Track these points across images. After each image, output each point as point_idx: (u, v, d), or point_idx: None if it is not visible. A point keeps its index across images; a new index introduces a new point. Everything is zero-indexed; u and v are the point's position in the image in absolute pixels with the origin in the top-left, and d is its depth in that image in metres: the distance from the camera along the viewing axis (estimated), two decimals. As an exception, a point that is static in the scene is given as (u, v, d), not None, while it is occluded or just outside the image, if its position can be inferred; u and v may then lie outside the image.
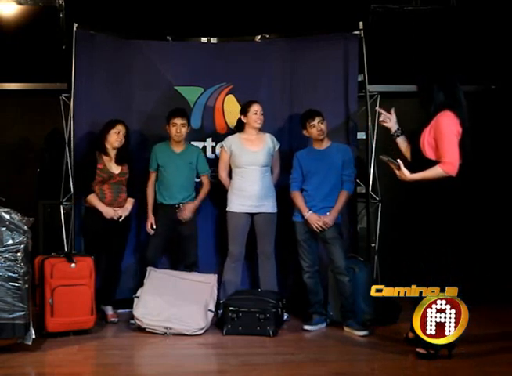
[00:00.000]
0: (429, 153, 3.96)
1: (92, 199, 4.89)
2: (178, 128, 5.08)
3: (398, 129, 4.30)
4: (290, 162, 4.97)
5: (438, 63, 5.63)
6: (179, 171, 5.14)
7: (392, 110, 4.32)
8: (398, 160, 4.00)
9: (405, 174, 3.96)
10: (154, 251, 5.15)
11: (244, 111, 5.07)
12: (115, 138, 4.95)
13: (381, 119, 4.35)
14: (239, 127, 5.17)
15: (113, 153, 4.99)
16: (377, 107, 4.56)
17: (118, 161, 5.00)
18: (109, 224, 4.89)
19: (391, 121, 4.30)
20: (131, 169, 5.08)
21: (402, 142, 4.28)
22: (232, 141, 5.10)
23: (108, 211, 4.88)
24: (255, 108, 5.02)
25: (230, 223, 5.04)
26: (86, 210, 5.03)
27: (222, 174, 5.16)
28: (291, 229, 4.89)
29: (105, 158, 4.96)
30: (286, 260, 5.32)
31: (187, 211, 5.11)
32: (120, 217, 4.94)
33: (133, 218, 5.37)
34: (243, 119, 5.08)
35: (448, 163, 3.86)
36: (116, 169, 4.98)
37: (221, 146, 5.18)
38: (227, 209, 5.06)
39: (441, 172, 3.87)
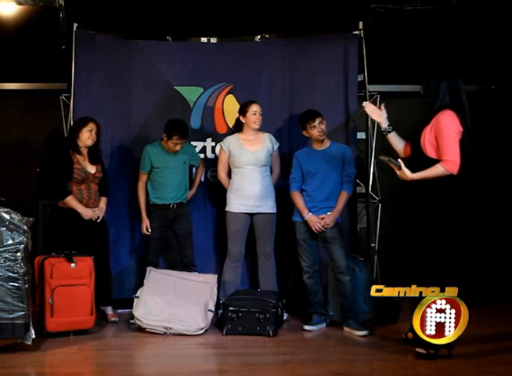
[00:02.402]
0: (430, 152, 3.96)
1: (70, 200, 4.80)
2: (179, 146, 5.06)
3: (389, 126, 4.27)
4: (290, 162, 4.97)
5: (440, 64, 5.63)
6: (174, 172, 5.13)
7: (382, 106, 4.30)
8: (399, 160, 3.99)
9: (407, 173, 3.96)
10: (155, 254, 5.16)
11: (243, 111, 5.06)
12: (87, 136, 4.85)
13: (370, 111, 4.32)
14: (238, 127, 5.16)
15: (85, 151, 4.91)
16: (365, 102, 4.47)
17: (92, 160, 4.93)
18: (86, 224, 4.85)
19: (381, 116, 4.27)
20: (104, 170, 5.03)
21: (393, 139, 4.27)
22: (230, 141, 5.09)
23: (87, 213, 4.83)
24: (254, 109, 5.01)
25: (230, 223, 5.04)
26: (61, 211, 4.89)
27: (222, 174, 5.15)
28: (291, 229, 4.89)
29: (79, 158, 4.88)
30: (286, 260, 5.32)
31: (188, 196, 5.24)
32: (98, 217, 4.91)
33: (130, 217, 5.38)
34: (242, 119, 5.07)
35: (450, 161, 3.87)
36: (91, 168, 4.91)
37: (220, 147, 5.17)
38: (226, 209, 5.06)
39: (442, 171, 3.88)
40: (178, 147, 5.08)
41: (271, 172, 5.16)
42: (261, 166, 5.03)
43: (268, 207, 5.03)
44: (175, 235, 5.20)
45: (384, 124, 4.27)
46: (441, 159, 3.89)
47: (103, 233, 5.00)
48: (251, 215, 5.03)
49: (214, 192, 5.44)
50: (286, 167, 5.10)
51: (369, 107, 4.35)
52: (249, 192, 4.99)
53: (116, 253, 5.33)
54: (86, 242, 4.86)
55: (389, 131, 4.27)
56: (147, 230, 5.13)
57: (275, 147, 5.15)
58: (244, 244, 5.07)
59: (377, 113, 4.30)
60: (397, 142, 4.26)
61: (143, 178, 5.19)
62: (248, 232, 5.08)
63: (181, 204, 5.16)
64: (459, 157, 3.88)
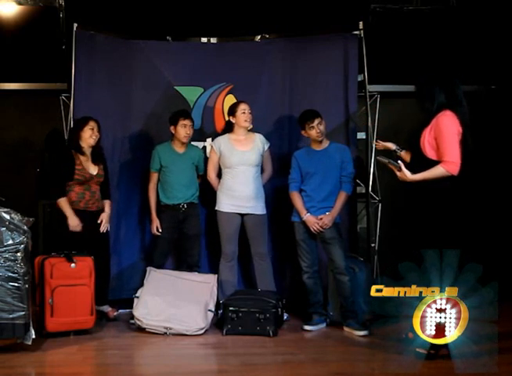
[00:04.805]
0: (430, 153, 3.97)
1: (62, 202, 4.78)
2: (187, 129, 5.09)
3: (397, 147, 4.38)
4: (290, 162, 4.96)
5: (438, 63, 5.63)
6: (183, 172, 5.14)
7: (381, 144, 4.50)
8: (399, 162, 4.00)
9: (407, 175, 3.96)
10: (161, 254, 5.16)
11: (232, 112, 5.07)
12: (90, 134, 4.84)
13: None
14: (229, 128, 5.16)
15: (89, 151, 4.90)
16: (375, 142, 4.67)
17: (95, 161, 4.92)
18: (87, 224, 4.82)
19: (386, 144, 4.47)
20: (107, 172, 5.02)
21: (405, 156, 4.32)
22: (221, 141, 5.09)
23: (73, 223, 4.75)
24: (243, 107, 5.03)
25: (221, 223, 5.04)
26: (61, 211, 4.83)
27: (211, 175, 5.15)
28: (290, 229, 4.89)
29: (82, 158, 4.86)
30: (286, 260, 5.32)
31: None
32: (102, 221, 4.92)
33: (131, 217, 5.37)
34: (232, 120, 5.08)
35: (450, 162, 3.88)
36: (93, 169, 4.89)
37: (211, 147, 5.17)
38: (216, 208, 5.05)
39: (443, 172, 3.88)
40: (188, 131, 5.09)
41: (262, 172, 5.15)
42: (252, 166, 5.03)
43: (258, 208, 5.03)
44: (184, 235, 5.18)
45: (392, 147, 4.40)
46: (442, 160, 3.90)
47: (104, 234, 4.98)
48: (242, 215, 5.03)
49: (209, 191, 5.42)
50: (285, 167, 5.10)
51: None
52: (240, 192, 4.98)
53: (119, 253, 5.34)
54: (86, 242, 4.84)
55: (400, 151, 4.36)
56: (157, 230, 5.13)
57: (266, 147, 5.15)
58: (237, 243, 5.06)
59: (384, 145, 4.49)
60: (408, 157, 4.30)
61: (153, 178, 5.18)
62: (242, 232, 5.07)
63: (191, 204, 5.17)
64: (459, 157, 3.89)
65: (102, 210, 4.97)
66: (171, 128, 5.13)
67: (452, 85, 4.02)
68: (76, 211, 4.81)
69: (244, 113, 5.02)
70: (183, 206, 5.12)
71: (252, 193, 5.00)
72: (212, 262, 5.34)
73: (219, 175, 5.16)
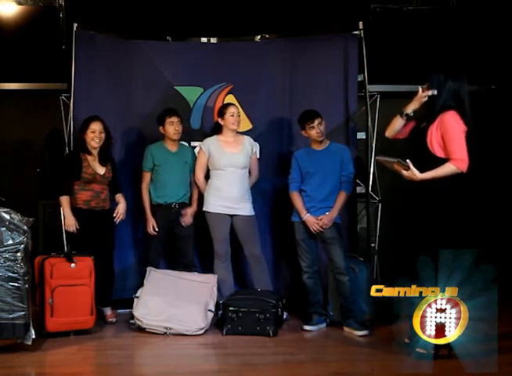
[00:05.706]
0: (438, 152, 3.96)
1: (64, 201, 4.79)
2: (175, 125, 5.09)
3: (408, 114, 4.18)
4: (290, 163, 4.96)
5: (440, 64, 5.63)
6: (175, 171, 5.14)
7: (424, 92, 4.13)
8: (408, 161, 3.95)
9: (416, 174, 3.91)
10: (156, 254, 5.16)
11: (221, 114, 5.07)
12: (91, 137, 4.84)
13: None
14: (216, 130, 5.15)
15: (95, 152, 4.90)
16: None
17: (102, 161, 4.91)
18: (93, 223, 4.82)
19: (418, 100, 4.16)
20: (115, 169, 5.01)
21: (398, 123, 4.20)
22: (210, 143, 5.09)
23: (70, 223, 4.77)
24: (232, 110, 5.03)
25: (211, 224, 5.03)
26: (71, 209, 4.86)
27: (200, 176, 5.13)
28: (290, 229, 4.89)
29: (89, 158, 4.87)
30: (286, 260, 5.32)
31: (189, 216, 5.16)
32: (116, 216, 4.94)
33: (130, 217, 5.38)
34: (221, 122, 5.07)
35: (459, 159, 3.88)
36: (101, 170, 4.89)
37: (199, 148, 5.17)
38: (204, 209, 5.04)
39: (453, 169, 3.87)
40: (177, 127, 5.09)
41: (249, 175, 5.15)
42: (240, 168, 5.03)
43: (246, 209, 5.01)
44: (177, 235, 5.18)
45: (410, 109, 4.17)
46: (451, 158, 3.89)
47: (111, 234, 4.97)
48: (230, 216, 5.02)
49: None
50: (285, 167, 5.10)
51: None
52: (228, 193, 4.97)
53: (117, 253, 5.32)
54: (94, 241, 4.82)
55: (405, 117, 4.18)
56: (154, 230, 5.13)
57: (254, 150, 5.16)
58: (229, 243, 5.05)
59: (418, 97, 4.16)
60: (397, 127, 4.22)
61: (146, 178, 5.18)
62: (233, 234, 5.05)
63: (183, 204, 5.16)
64: (467, 154, 3.89)
65: (112, 208, 4.99)
66: (160, 128, 5.12)
67: (462, 91, 4.02)
68: (83, 211, 4.81)
69: (233, 116, 5.02)
70: (175, 206, 5.12)
71: (240, 195, 4.99)
72: (206, 263, 5.32)
73: (206, 177, 5.14)
